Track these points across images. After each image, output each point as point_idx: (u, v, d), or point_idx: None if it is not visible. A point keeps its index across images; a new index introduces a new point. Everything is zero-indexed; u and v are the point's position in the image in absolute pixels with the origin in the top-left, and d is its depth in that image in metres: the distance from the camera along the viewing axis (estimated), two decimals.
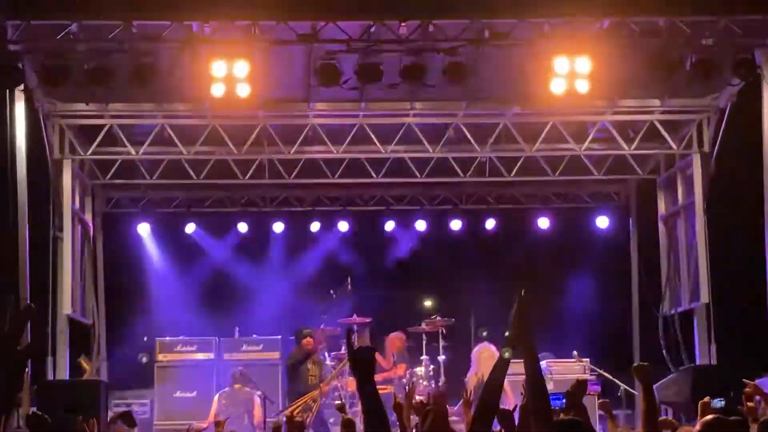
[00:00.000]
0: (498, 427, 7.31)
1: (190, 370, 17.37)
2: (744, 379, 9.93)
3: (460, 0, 13.04)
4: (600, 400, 8.58)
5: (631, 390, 16.01)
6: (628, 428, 9.63)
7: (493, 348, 15.20)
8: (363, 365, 4.48)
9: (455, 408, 13.36)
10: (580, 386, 6.96)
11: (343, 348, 17.11)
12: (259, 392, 15.67)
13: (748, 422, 7.00)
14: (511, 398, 13.78)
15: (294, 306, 19.05)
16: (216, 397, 15.78)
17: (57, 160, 16.27)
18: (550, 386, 15.67)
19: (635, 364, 7.32)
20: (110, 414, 14.55)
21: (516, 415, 7.13)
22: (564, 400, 6.60)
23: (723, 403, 9.03)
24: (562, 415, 6.53)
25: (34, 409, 14.35)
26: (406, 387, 9.84)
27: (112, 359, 18.67)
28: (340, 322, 17.18)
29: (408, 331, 17.25)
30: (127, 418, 10.45)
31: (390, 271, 20.20)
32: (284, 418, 11.75)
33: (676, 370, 16.58)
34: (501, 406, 7.30)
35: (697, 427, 4.35)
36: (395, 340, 16.88)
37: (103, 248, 19.05)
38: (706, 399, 8.84)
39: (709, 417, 4.59)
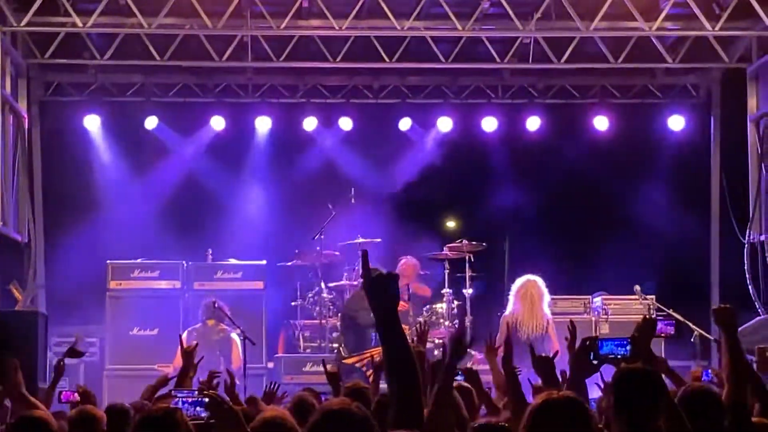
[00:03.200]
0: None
1: (151, 302, 17.49)
2: None
3: None
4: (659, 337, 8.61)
5: (707, 335, 16.12)
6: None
7: (537, 282, 15.25)
8: (385, 297, 4.51)
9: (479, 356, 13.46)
10: (647, 327, 6.98)
11: (345, 275, 17.25)
12: (237, 330, 15.79)
13: None
14: (555, 342, 13.93)
15: (282, 223, 19.18)
16: (184, 336, 15.91)
17: None
18: (605, 329, 16.02)
19: (715, 306, 7.35)
20: (51, 354, 14.70)
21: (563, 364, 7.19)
22: (629, 347, 6.62)
23: None
24: (623, 364, 6.56)
25: None
26: (417, 328, 9.88)
27: (52, 286, 18.76)
28: (341, 245, 17.28)
29: (425, 258, 17.40)
30: (72, 351, 10.54)
31: (404, 181, 20.20)
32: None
33: (765, 312, 16.69)
34: (542, 353, 7.38)
35: None
36: (408, 267, 16.95)
37: (41, 145, 19.09)
38: None
39: None
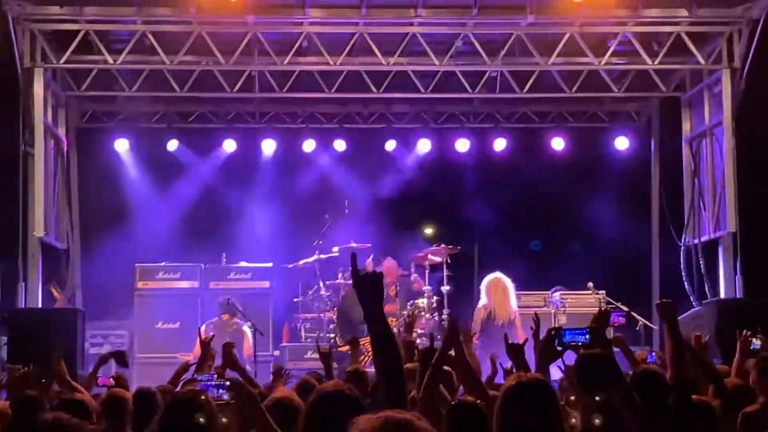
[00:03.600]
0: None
1: (173, 299, 17.45)
2: None
3: None
4: (616, 335, 8.62)
5: (650, 325, 16.15)
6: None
7: (504, 279, 15.26)
8: (370, 293, 4.49)
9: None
10: (602, 318, 6.98)
11: (340, 275, 17.23)
12: (248, 323, 15.76)
13: None
14: (521, 331, 13.91)
15: (286, 231, 19.13)
16: (202, 328, 15.88)
17: (27, 69, 16.17)
18: (562, 319, 16.01)
19: (658, 301, 7.36)
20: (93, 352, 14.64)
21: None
22: (588, 336, 6.62)
23: (758, 343, 9.03)
24: (582, 350, 6.55)
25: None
26: (404, 320, 9.88)
27: (88, 286, 18.70)
28: (339, 249, 17.26)
29: (406, 259, 17.40)
30: (120, 356, 10.48)
31: (390, 194, 20.16)
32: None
33: (699, 304, 16.71)
34: (511, 341, 7.36)
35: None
36: (389, 267, 16.92)
37: (77, 166, 19.08)
38: (745, 334, 8.89)
39: None
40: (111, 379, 9.60)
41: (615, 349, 7.58)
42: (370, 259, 16.85)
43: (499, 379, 8.60)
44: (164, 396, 7.45)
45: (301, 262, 17.67)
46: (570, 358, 6.48)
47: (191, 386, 6.60)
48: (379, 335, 4.51)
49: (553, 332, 6.58)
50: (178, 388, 8.01)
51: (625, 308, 14.95)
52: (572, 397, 6.44)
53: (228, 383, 5.88)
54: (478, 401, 6.04)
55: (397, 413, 3.43)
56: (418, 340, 14.79)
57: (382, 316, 4.54)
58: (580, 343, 6.47)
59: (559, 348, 6.52)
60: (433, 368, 5.99)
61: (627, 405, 5.80)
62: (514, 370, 7.07)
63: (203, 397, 5.43)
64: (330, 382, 6.26)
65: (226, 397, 5.94)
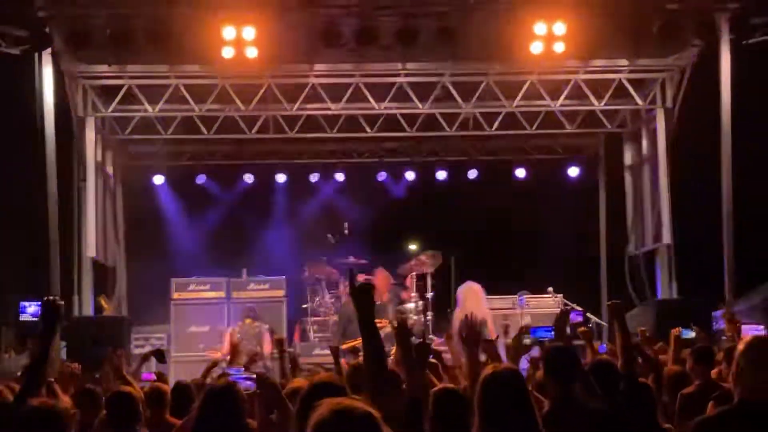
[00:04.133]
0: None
1: (203, 308, 17.35)
2: (721, 306, 10.03)
3: None
4: (581, 329, 8.63)
5: (601, 322, 16.13)
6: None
7: (476, 286, 15.22)
8: (363, 300, 4.50)
9: (440, 339, 13.44)
10: (563, 316, 7.02)
11: (341, 286, 17.21)
12: (266, 326, 15.74)
13: None
14: (492, 330, 13.89)
15: (295, 249, 19.07)
16: (229, 331, 15.81)
17: (81, 118, 16.22)
18: (527, 318, 15.99)
19: (609, 302, 7.37)
20: (137, 351, 14.58)
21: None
22: (552, 333, 6.65)
23: (692, 334, 9.07)
24: (546, 343, 6.57)
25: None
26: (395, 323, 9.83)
27: (132, 298, 18.65)
28: (340, 263, 17.24)
29: (396, 270, 17.37)
30: (159, 354, 10.46)
31: (382, 217, 20.12)
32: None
33: (641, 304, 16.72)
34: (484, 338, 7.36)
35: (741, 346, 4.38)
36: (380, 277, 16.92)
37: (122, 197, 19.00)
38: (677, 330, 8.91)
39: (756, 337, 4.62)
40: (153, 374, 9.58)
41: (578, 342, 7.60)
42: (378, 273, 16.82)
43: None
44: (197, 388, 7.44)
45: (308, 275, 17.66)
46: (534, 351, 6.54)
47: (224, 379, 6.59)
48: (368, 331, 4.50)
49: (523, 330, 6.63)
50: (208, 381, 7.99)
51: (580, 308, 14.96)
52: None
53: (255, 376, 5.89)
54: (458, 388, 6.03)
55: (348, 400, 3.42)
56: (413, 338, 14.86)
57: (371, 317, 4.53)
58: (546, 339, 6.51)
59: (528, 342, 6.56)
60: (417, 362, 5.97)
61: (587, 388, 5.81)
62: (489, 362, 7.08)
63: (236, 387, 5.43)
64: (323, 374, 6.26)
65: (253, 387, 5.94)
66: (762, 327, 8.92)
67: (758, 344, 4.38)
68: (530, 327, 6.68)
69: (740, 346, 4.39)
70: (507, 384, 4.87)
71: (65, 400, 7.39)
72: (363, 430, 3.18)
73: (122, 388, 6.84)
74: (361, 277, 16.54)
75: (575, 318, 8.79)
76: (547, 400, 5.76)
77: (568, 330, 7.11)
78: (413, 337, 12.51)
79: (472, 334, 6.17)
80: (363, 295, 4.50)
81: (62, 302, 5.39)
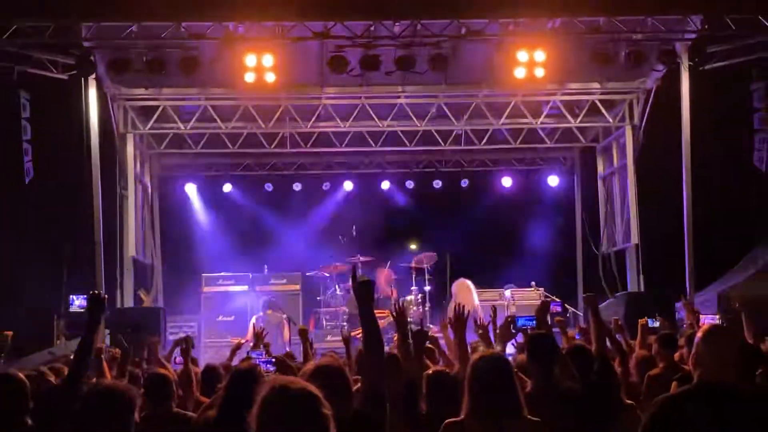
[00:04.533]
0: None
1: (229, 299, 17.34)
2: (682, 297, 10.01)
3: (443, 3, 12.92)
4: (556, 318, 8.60)
5: (577, 312, 16.11)
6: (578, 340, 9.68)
7: (468, 282, 15.25)
8: (363, 294, 4.48)
9: (437, 327, 13.41)
10: (543, 307, 6.98)
11: (350, 280, 17.20)
12: (285, 316, 15.73)
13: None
14: (482, 320, 13.86)
15: (310, 248, 19.06)
16: (253, 320, 15.76)
17: (122, 134, 16.24)
18: (513, 309, 15.96)
19: (585, 295, 7.34)
20: (171, 338, 14.55)
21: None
22: (534, 322, 6.62)
23: (657, 323, 9.04)
24: (529, 331, 6.54)
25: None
26: (394, 313, 9.78)
27: (167, 291, 18.65)
28: (347, 260, 17.24)
29: (398, 267, 17.37)
30: (188, 341, 10.43)
31: (385, 220, 20.10)
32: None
33: (612, 296, 16.69)
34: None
35: (700, 334, 4.38)
36: (382, 274, 16.95)
37: (158, 203, 19.01)
38: (644, 320, 8.89)
39: (710, 325, 4.61)
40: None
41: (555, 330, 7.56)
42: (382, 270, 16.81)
43: None
44: (225, 370, 7.41)
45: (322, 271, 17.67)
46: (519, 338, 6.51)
47: (248, 362, 6.58)
48: (367, 321, 4.47)
49: (509, 319, 6.59)
50: (234, 362, 7.96)
51: (558, 300, 14.90)
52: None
53: (274, 359, 5.87)
54: (448, 370, 6.01)
55: (289, 379, 3.44)
56: (411, 326, 14.84)
57: (371, 308, 4.48)
58: (528, 327, 6.48)
59: (513, 330, 6.53)
60: (414, 347, 5.95)
61: (564, 370, 5.79)
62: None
63: (258, 369, 5.41)
64: (325, 357, 6.23)
65: (272, 369, 5.92)
66: (717, 317, 8.88)
67: (714, 332, 4.37)
68: (515, 316, 6.62)
69: (699, 334, 4.38)
70: (494, 367, 4.86)
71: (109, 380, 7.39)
72: (300, 404, 3.18)
73: (158, 370, 6.82)
74: (382, 276, 16.60)
75: (554, 308, 8.74)
76: (529, 381, 5.74)
77: (548, 319, 7.08)
78: (412, 325, 12.48)
79: (460, 322, 6.17)
80: (363, 290, 4.49)
81: (106, 295, 5.38)
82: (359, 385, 4.52)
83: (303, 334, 8.28)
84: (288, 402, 3.20)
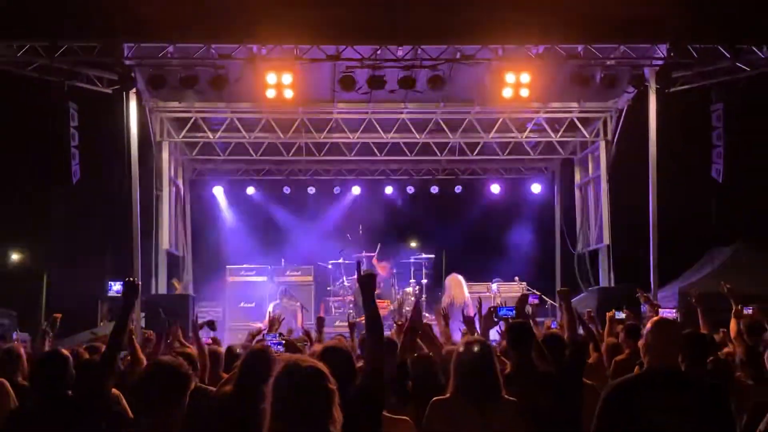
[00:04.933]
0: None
1: (250, 288, 17.40)
2: (639, 291, 9.97)
3: (440, 30, 12.89)
4: (528, 307, 8.60)
5: (555, 303, 16.06)
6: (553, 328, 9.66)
7: (459, 276, 15.22)
8: (367, 286, 4.46)
9: (432, 316, 13.40)
10: (522, 300, 6.96)
11: (355, 273, 17.19)
12: (299, 304, 15.74)
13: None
14: (471, 309, 13.84)
15: (322, 244, 19.07)
16: (270, 307, 15.79)
17: (158, 142, 16.22)
18: (498, 300, 15.91)
19: (559, 289, 7.32)
20: (198, 320, 14.53)
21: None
22: (513, 312, 6.59)
23: (623, 315, 8.99)
24: (509, 320, 6.50)
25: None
26: (394, 305, 9.78)
27: (196, 280, 18.66)
28: (354, 256, 17.25)
29: (399, 262, 17.40)
30: (212, 324, 10.38)
31: (388, 221, 20.12)
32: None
33: (586, 290, 16.68)
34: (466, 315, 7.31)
35: (648, 325, 4.37)
36: (384, 267, 16.99)
37: (189, 203, 19.02)
38: (612, 312, 8.86)
39: (657, 318, 4.61)
40: (210, 339, 9.50)
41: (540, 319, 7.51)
42: (376, 262, 16.78)
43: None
44: (243, 350, 7.38)
45: (330, 263, 17.67)
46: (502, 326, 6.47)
47: (260, 343, 6.56)
48: (369, 309, 4.45)
49: (492, 309, 6.56)
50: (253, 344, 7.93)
51: (539, 293, 14.87)
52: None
53: (284, 342, 5.85)
54: (430, 354, 5.98)
55: (299, 357, 3.45)
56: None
57: (373, 298, 4.48)
58: (509, 317, 6.45)
59: (495, 319, 6.50)
60: (413, 332, 5.93)
61: (539, 355, 5.77)
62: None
63: (269, 350, 5.39)
64: (331, 340, 6.21)
65: (282, 350, 5.91)
66: (674, 311, 8.84)
67: (660, 325, 4.38)
68: (497, 307, 6.60)
69: (648, 325, 4.38)
70: (477, 352, 4.85)
71: (141, 358, 7.36)
72: (309, 381, 3.19)
73: (184, 349, 6.80)
74: (381, 269, 16.59)
75: (533, 300, 8.69)
76: (509, 363, 5.72)
77: (528, 310, 7.05)
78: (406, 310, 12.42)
79: (446, 318, 6.15)
80: (366, 282, 4.47)
81: (139, 282, 5.36)
82: (361, 363, 4.51)
83: (320, 322, 8.31)
84: (298, 377, 3.21)
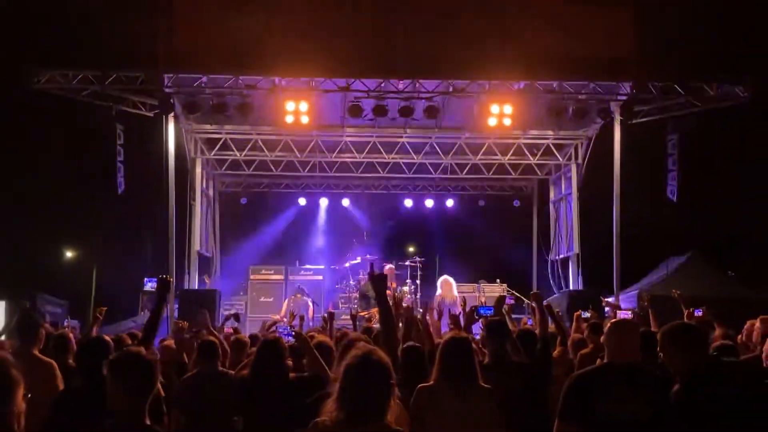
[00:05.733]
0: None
1: (270, 285, 17.33)
2: (601, 297, 9.96)
3: (435, 67, 12.93)
4: (505, 306, 8.60)
5: (532, 304, 16.03)
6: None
7: (450, 278, 15.14)
8: (380, 285, 4.48)
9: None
10: (500, 300, 6.97)
11: (362, 273, 17.17)
12: (311, 299, 15.71)
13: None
14: (459, 308, 13.79)
15: (331, 248, 19.09)
16: (285, 302, 15.75)
17: (192, 159, 16.26)
18: (482, 299, 15.86)
19: (532, 291, 7.32)
20: (224, 313, 14.54)
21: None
22: (492, 310, 6.59)
23: (588, 314, 8.98)
24: (488, 317, 6.49)
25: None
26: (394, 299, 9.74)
27: (223, 277, 18.65)
28: (361, 259, 17.23)
29: (398, 265, 17.34)
30: (237, 316, 10.38)
31: (389, 229, 20.11)
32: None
33: (558, 293, 16.65)
34: (454, 314, 7.30)
35: (608, 325, 4.39)
36: (389, 270, 16.86)
37: (219, 211, 19.02)
38: (578, 312, 8.85)
39: (616, 319, 4.62)
40: (232, 329, 9.52)
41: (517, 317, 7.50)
42: (387, 267, 16.70)
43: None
44: (260, 338, 7.38)
45: (348, 264, 17.67)
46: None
47: (273, 334, 6.57)
48: (383, 307, 4.49)
49: (473, 308, 6.57)
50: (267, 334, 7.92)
51: (517, 294, 14.87)
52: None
53: (294, 332, 5.86)
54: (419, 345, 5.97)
55: (375, 349, 3.41)
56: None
57: (384, 295, 4.53)
58: (488, 315, 6.45)
59: (476, 317, 6.50)
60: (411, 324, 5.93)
61: (513, 349, 5.78)
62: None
63: (281, 340, 5.41)
64: (354, 333, 6.21)
65: (291, 339, 5.92)
66: (629, 312, 8.83)
67: (618, 325, 4.40)
68: (477, 307, 6.62)
69: (607, 325, 4.40)
70: (458, 345, 4.85)
71: (171, 344, 7.35)
72: (381, 374, 3.19)
73: (208, 337, 6.81)
74: (387, 271, 16.55)
75: (509, 301, 8.71)
76: (487, 354, 5.72)
77: (505, 309, 7.04)
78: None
79: (432, 316, 6.14)
80: (379, 282, 4.50)
81: (171, 279, 5.36)
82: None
83: (330, 316, 8.37)
84: (373, 369, 3.22)
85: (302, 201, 19.84)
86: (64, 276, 20.39)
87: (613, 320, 4.48)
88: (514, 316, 10.61)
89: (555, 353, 6.77)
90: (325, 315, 9.40)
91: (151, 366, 3.58)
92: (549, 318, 6.74)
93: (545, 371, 5.84)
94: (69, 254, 23.33)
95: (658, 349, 4.30)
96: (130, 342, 6.03)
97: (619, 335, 4.26)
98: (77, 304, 17.75)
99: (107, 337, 5.18)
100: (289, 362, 5.58)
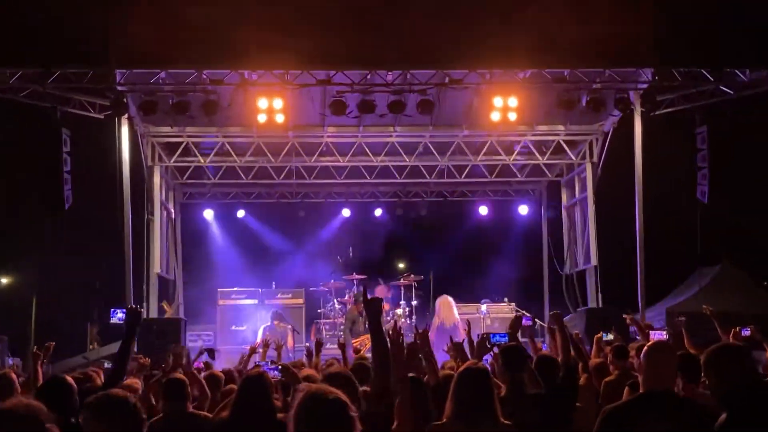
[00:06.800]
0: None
1: (241, 311, 17.28)
2: (624, 315, 10.00)
3: (429, 55, 12.96)
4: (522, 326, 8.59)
5: (543, 324, 16.08)
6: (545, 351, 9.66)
7: (449, 298, 15.16)
8: (374, 310, 4.48)
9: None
10: (516, 322, 6.97)
11: (347, 295, 17.15)
12: (290, 327, 15.68)
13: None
14: (462, 333, 13.80)
15: (312, 267, 19.06)
16: (261, 329, 15.72)
17: (150, 166, 16.19)
18: (488, 321, 15.87)
19: (551, 312, 7.31)
20: (191, 345, 14.45)
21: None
22: (507, 337, 6.60)
23: (610, 336, 9.02)
24: (502, 344, 6.50)
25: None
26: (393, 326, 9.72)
27: (187, 303, 18.56)
28: (345, 278, 17.23)
29: (390, 285, 17.32)
30: (210, 351, 10.27)
31: (377, 242, 20.13)
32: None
33: (574, 311, 16.68)
34: (454, 338, 7.31)
35: (645, 349, 4.41)
36: (379, 290, 16.88)
37: (180, 227, 18.97)
38: (599, 334, 8.88)
39: (653, 341, 4.64)
40: (202, 364, 9.41)
41: (523, 339, 7.52)
42: (378, 287, 16.71)
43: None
44: (239, 374, 7.34)
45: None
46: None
47: (257, 369, 6.54)
48: (376, 332, 4.47)
49: (485, 336, 6.56)
50: (249, 367, 7.87)
51: (529, 314, 14.87)
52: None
53: (280, 367, 5.84)
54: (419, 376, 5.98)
55: (323, 386, 3.41)
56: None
57: (379, 322, 4.51)
58: (503, 342, 6.44)
59: (489, 346, 6.50)
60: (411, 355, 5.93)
61: (531, 379, 5.79)
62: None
63: (266, 375, 5.38)
64: (335, 366, 6.18)
65: (278, 374, 5.89)
66: (664, 333, 8.86)
67: (656, 348, 4.42)
68: (490, 334, 6.62)
69: (644, 349, 4.42)
70: (476, 378, 4.85)
71: (136, 383, 7.29)
72: (334, 411, 3.19)
73: (175, 375, 6.76)
74: (379, 291, 16.54)
75: (526, 322, 8.72)
76: (503, 386, 5.73)
77: (519, 333, 7.04)
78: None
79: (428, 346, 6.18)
80: (373, 307, 4.50)
81: (142, 309, 5.36)
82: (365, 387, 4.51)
83: (317, 345, 8.31)
84: (324, 407, 3.20)
85: (276, 214, 19.77)
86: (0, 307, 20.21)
87: (650, 343, 4.51)
88: (522, 339, 10.60)
89: (581, 381, 6.78)
90: (309, 345, 9.37)
91: (139, 412, 3.56)
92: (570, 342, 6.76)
93: (570, 402, 5.85)
94: (3, 281, 23.15)
95: (702, 374, 4.34)
96: (99, 380, 5.98)
97: (657, 359, 4.28)
98: (17, 339, 17.60)
99: (69, 378, 5.13)
100: (277, 401, 5.56)
